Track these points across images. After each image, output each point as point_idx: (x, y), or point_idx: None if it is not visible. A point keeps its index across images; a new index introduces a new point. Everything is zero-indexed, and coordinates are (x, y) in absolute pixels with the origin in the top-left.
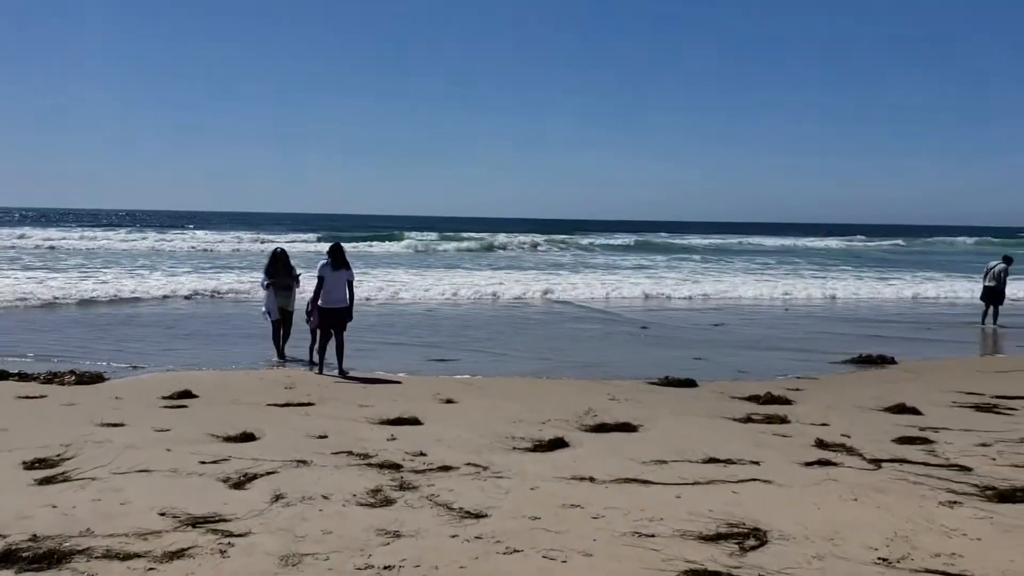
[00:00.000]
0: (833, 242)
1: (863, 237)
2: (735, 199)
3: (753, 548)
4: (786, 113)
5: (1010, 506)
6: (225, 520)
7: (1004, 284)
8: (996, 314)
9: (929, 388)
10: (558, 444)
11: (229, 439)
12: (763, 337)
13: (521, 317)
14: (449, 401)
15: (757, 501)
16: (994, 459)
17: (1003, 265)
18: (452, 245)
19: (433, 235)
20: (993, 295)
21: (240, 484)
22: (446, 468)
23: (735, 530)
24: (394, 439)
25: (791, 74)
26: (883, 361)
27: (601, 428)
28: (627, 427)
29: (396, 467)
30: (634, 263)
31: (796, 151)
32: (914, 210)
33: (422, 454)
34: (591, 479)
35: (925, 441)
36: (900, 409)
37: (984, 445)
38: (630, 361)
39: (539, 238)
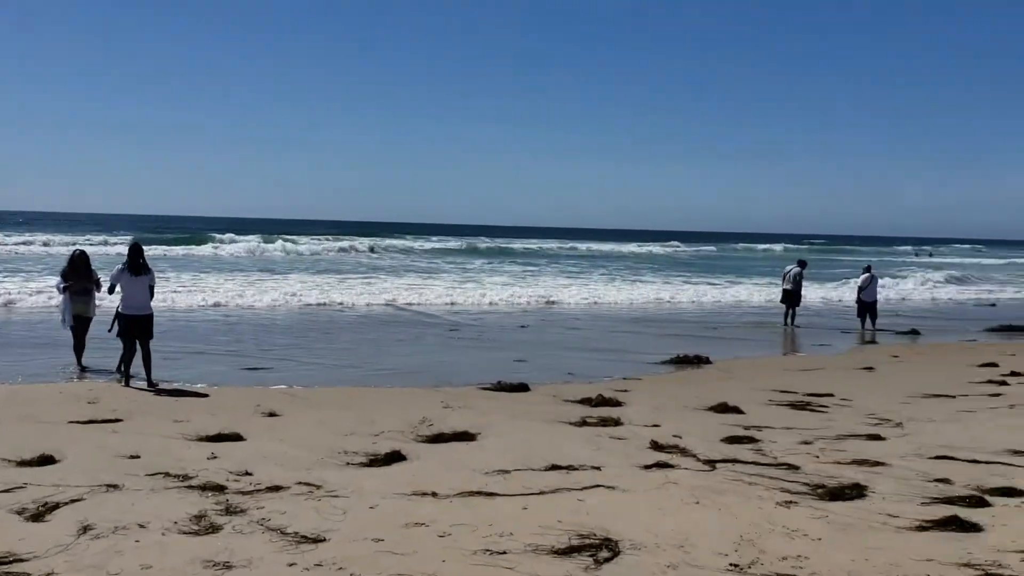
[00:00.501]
0: (655, 247)
1: (677, 243)
2: (568, 204)
3: (607, 560)
4: (604, 120)
5: (841, 504)
6: (21, 560)
7: (800, 286)
8: (794, 315)
9: (745, 387)
10: (395, 457)
11: (24, 463)
12: (569, 339)
13: (327, 322)
14: (272, 414)
15: (604, 509)
16: (817, 456)
17: (798, 269)
18: (259, 247)
19: (254, 237)
20: (791, 297)
21: (39, 516)
22: (276, 488)
23: (587, 542)
24: (215, 457)
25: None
26: (699, 361)
27: (439, 438)
28: (465, 436)
29: (220, 489)
30: (457, 265)
31: (626, 158)
32: (726, 217)
33: (248, 473)
34: (434, 494)
35: (752, 440)
36: (723, 408)
37: (806, 443)
38: (454, 365)
39: (361, 241)
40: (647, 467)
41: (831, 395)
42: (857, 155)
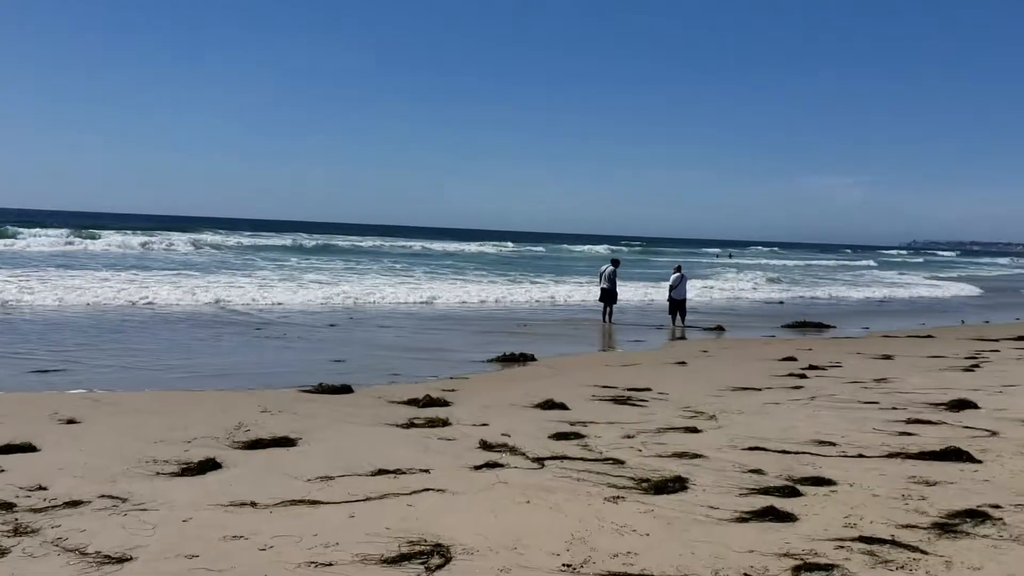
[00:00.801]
0: (489, 247)
1: (509, 243)
2: (406, 204)
3: (439, 567)
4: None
5: (665, 497)
6: None
7: (615, 284)
8: (611, 312)
9: (569, 383)
10: (209, 466)
11: None
12: (384, 338)
13: (123, 321)
14: (71, 421)
15: (434, 513)
16: (640, 450)
17: (612, 268)
18: (64, 239)
19: (59, 231)
20: (608, 295)
21: None
22: (74, 503)
23: (417, 548)
24: (2, 471)
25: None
26: (524, 359)
27: (257, 444)
28: (286, 441)
29: (8, 507)
30: (274, 262)
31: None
32: (558, 219)
33: (41, 488)
34: (253, 504)
35: (578, 436)
36: (550, 405)
37: (629, 437)
38: (267, 366)
39: (178, 236)
40: (477, 468)
41: (649, 389)
42: (672, 166)
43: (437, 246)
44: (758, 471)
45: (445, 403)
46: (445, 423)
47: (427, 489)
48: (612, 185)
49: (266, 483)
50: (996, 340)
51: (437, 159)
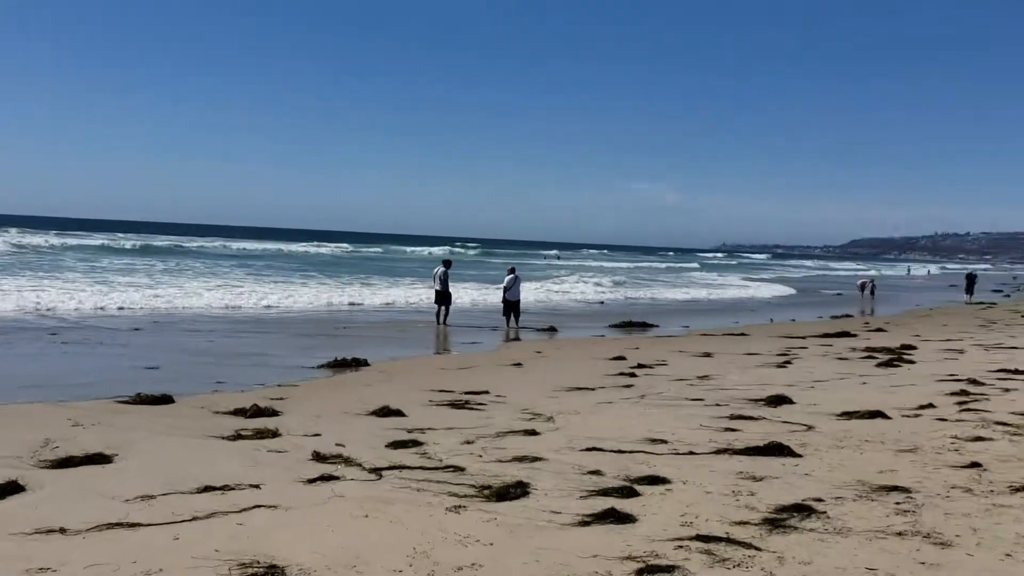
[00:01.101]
0: (325, 248)
1: (348, 245)
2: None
3: None
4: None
5: (508, 504)
6: None
7: (448, 285)
8: (446, 314)
9: (405, 388)
10: (11, 489)
11: None
12: (196, 343)
13: None
14: None
15: (266, 531)
16: (480, 456)
17: (444, 269)
18: None
19: None
20: (442, 297)
21: None
22: None
23: (250, 571)
24: None
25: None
26: (357, 364)
27: (67, 463)
28: (100, 458)
29: None
30: (86, 263)
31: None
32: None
33: None
34: (62, 530)
35: (416, 443)
36: (385, 412)
37: (468, 443)
38: (73, 376)
39: None
40: (311, 481)
41: (487, 392)
42: (515, 170)
43: (263, 247)
44: (597, 472)
45: (274, 412)
46: (275, 434)
47: (258, 506)
48: (448, 188)
49: (78, 506)
50: (803, 338)
51: (274, 154)
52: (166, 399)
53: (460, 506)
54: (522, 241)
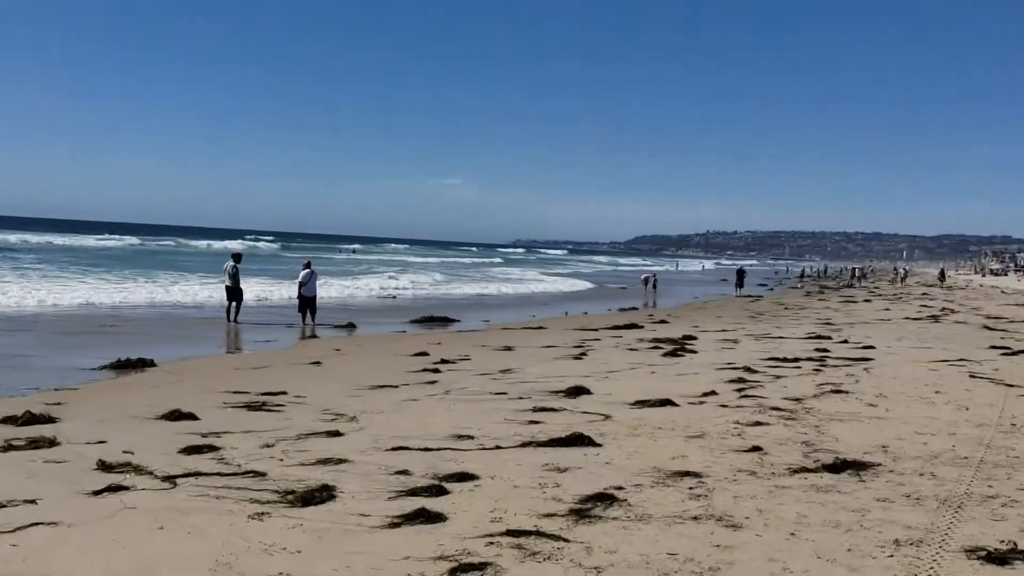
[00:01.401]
0: (112, 241)
1: (134, 238)
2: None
3: None
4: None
5: (313, 509)
6: None
7: (239, 280)
8: (237, 310)
9: (197, 389)
10: None
11: None
12: None
13: None
14: None
15: (45, 550)
16: (282, 460)
17: (233, 263)
18: None
19: None
20: (233, 293)
21: None
22: None
23: None
24: None
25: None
26: (143, 364)
27: None
28: None
29: None
30: None
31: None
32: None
33: None
34: None
35: (212, 448)
36: (176, 416)
37: (268, 446)
38: None
39: None
40: (96, 493)
41: (285, 392)
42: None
43: (42, 239)
44: (405, 471)
45: (51, 419)
46: (52, 443)
47: (36, 523)
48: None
49: None
50: (596, 330)
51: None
52: None
53: (263, 513)
54: (324, 235)
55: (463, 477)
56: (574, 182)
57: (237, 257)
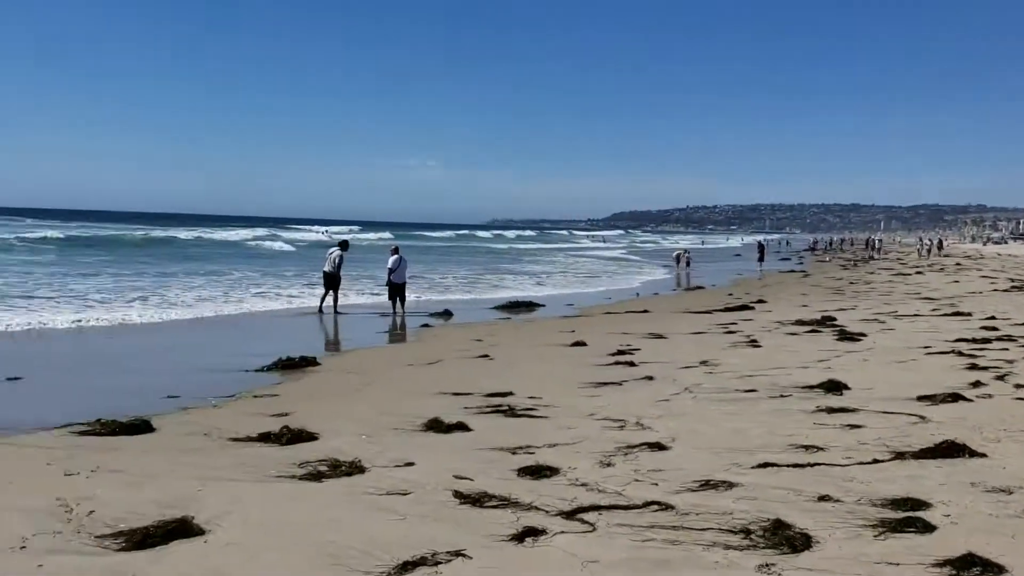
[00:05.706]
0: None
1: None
2: None
3: None
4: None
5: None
6: None
7: (338, 268)
8: (336, 298)
9: (397, 393)
10: None
11: None
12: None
13: None
14: None
15: None
16: (655, 484)
17: (339, 251)
18: None
19: None
20: (332, 280)
21: None
22: None
23: None
24: None
25: None
26: (306, 363)
27: None
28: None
29: None
30: None
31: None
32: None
33: None
34: None
35: (550, 469)
36: (441, 426)
37: (607, 465)
38: None
39: None
40: (517, 538)
41: (512, 393)
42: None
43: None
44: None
45: (312, 436)
46: (361, 468)
47: None
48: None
49: None
50: (711, 312)
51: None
52: (146, 426)
53: (767, 565)
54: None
55: (916, 505)
56: (542, 159)
57: (344, 245)
